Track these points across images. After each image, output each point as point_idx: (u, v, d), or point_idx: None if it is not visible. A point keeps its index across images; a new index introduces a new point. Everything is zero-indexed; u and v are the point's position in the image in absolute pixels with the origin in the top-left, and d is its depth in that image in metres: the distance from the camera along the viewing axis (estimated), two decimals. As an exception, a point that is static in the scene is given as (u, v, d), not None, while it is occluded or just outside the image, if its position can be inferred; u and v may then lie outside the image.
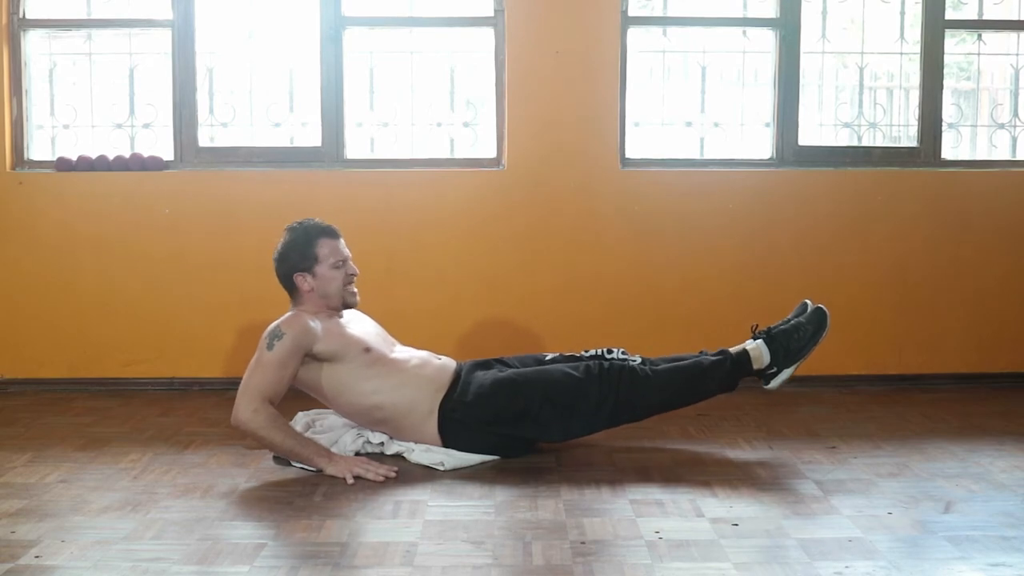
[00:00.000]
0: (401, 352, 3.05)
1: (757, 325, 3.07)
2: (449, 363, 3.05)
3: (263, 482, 2.73)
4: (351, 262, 3.06)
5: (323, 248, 3.01)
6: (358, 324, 3.06)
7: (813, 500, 2.57)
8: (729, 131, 4.04)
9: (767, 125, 4.01)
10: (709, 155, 4.03)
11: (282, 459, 2.90)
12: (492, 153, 3.94)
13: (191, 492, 2.63)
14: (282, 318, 2.95)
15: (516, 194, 3.87)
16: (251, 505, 2.54)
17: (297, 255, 2.99)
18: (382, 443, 2.97)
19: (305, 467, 2.82)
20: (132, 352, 3.87)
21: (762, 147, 4.02)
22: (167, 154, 3.92)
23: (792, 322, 3.02)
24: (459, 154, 4.00)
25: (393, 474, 2.74)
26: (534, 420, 2.87)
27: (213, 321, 3.87)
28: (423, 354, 3.06)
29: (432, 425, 2.91)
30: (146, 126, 3.98)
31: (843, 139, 4.08)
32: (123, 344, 3.87)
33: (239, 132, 3.99)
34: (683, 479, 2.77)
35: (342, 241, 3.06)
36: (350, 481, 2.69)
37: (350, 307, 3.06)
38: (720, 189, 3.91)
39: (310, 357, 2.88)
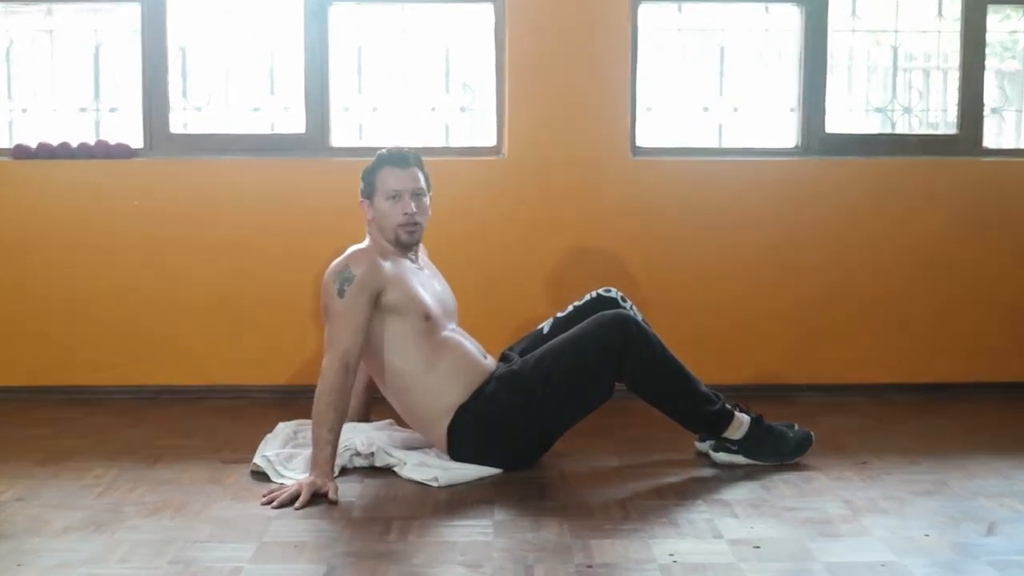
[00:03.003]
0: (452, 334, 3.03)
1: (748, 405, 3.10)
2: (490, 366, 3.05)
3: (240, 500, 2.72)
4: (409, 199, 3.00)
5: (382, 176, 3.01)
6: (428, 283, 3.05)
7: (842, 520, 2.57)
8: (750, 117, 4.04)
9: (792, 110, 4.01)
10: (728, 143, 4.03)
11: (260, 473, 2.91)
12: (491, 141, 3.95)
13: (161, 511, 2.63)
14: (349, 251, 2.95)
15: (517, 185, 3.87)
16: (227, 525, 2.53)
17: (364, 180, 3.05)
18: (372, 454, 2.97)
19: (283, 479, 2.83)
20: (97, 357, 3.87)
21: (786, 134, 4.02)
22: (136, 141, 3.92)
23: (779, 429, 3.05)
24: (455, 142, 4.01)
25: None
26: (548, 401, 2.89)
27: (187, 323, 3.86)
28: (472, 347, 3.04)
29: (444, 424, 2.92)
30: (113, 110, 3.98)
31: (875, 126, 4.08)
32: (88, 349, 3.87)
33: (215, 117, 3.99)
34: (699, 497, 2.77)
35: (411, 171, 3.02)
36: (332, 497, 2.68)
37: (404, 247, 3.03)
38: (740, 180, 3.90)
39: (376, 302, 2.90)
